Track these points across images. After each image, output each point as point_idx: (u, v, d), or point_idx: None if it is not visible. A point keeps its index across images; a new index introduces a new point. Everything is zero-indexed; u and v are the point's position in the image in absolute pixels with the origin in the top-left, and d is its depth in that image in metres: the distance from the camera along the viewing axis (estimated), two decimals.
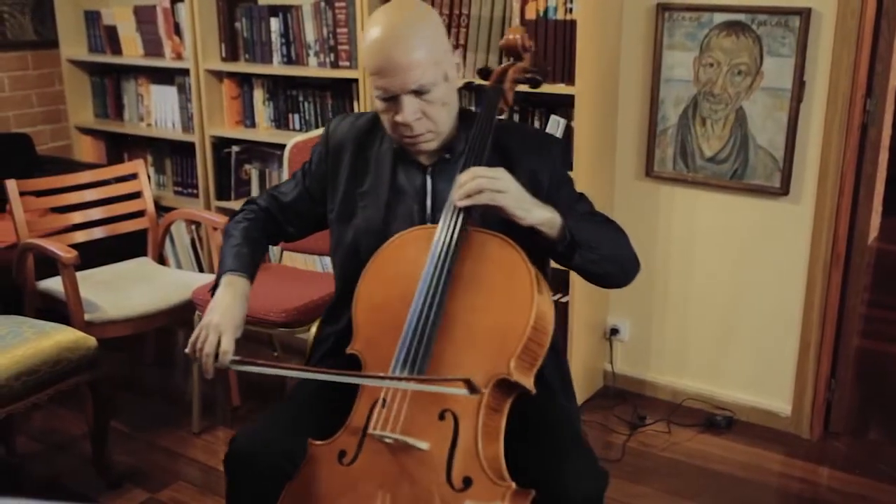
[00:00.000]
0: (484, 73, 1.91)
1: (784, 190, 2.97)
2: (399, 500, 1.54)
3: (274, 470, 1.65)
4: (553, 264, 1.91)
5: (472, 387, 1.48)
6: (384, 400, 1.61)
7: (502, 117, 1.87)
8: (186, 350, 1.75)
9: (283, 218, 1.99)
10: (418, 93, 1.69)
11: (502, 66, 1.89)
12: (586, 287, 3.16)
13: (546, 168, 1.80)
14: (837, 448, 3.05)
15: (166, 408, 3.35)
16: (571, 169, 1.91)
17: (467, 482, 1.50)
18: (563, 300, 3.19)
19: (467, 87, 1.86)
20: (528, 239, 1.66)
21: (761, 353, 3.17)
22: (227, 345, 1.70)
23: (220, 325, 1.71)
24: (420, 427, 1.56)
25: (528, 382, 1.60)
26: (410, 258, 1.70)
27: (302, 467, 1.63)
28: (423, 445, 1.54)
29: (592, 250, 1.68)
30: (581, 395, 3.35)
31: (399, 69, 1.66)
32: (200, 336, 1.72)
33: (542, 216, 1.63)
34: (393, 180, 1.84)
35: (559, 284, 3.22)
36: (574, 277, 3.13)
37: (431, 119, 1.73)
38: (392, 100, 1.71)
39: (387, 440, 1.57)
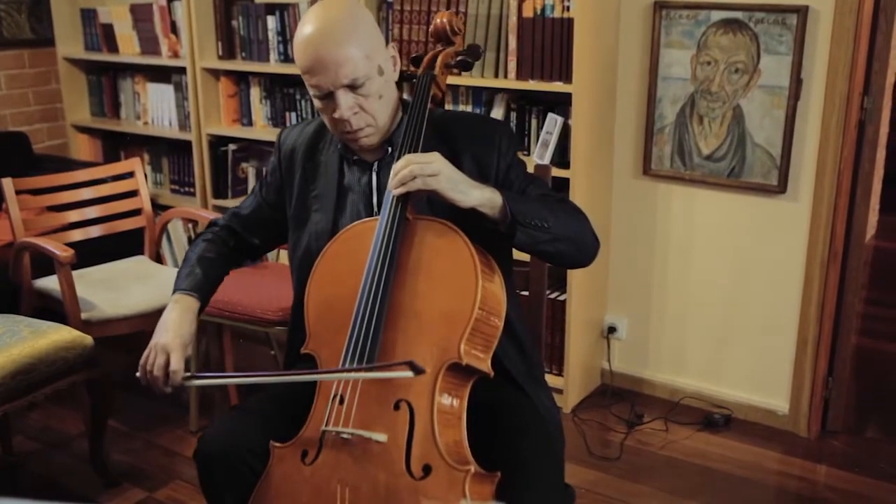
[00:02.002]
0: (416, 60, 1.92)
1: (781, 188, 2.97)
2: (362, 493, 1.55)
3: (239, 464, 1.68)
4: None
5: (415, 367, 1.51)
6: (340, 396, 1.62)
7: (447, 105, 1.87)
8: (137, 374, 1.76)
9: (246, 231, 2.01)
10: (352, 87, 1.70)
11: (432, 52, 1.89)
12: (584, 285, 3.19)
13: (491, 152, 1.80)
14: (835, 446, 3.05)
15: (164, 407, 3.34)
16: (518, 151, 1.89)
17: (427, 470, 1.51)
18: (561, 298, 3.19)
19: (400, 78, 1.86)
20: (476, 223, 1.66)
21: (759, 351, 3.17)
22: (176, 364, 1.71)
23: (167, 345, 1.73)
24: (376, 419, 1.57)
25: (484, 365, 1.61)
26: (355, 253, 1.71)
27: (267, 470, 1.65)
28: (381, 437, 1.55)
29: (541, 230, 1.66)
30: (578, 394, 3.35)
31: (329, 65, 1.68)
32: (149, 358, 1.73)
33: (480, 196, 1.63)
34: (340, 181, 1.86)
35: (556, 282, 3.21)
36: (571, 276, 3.12)
37: (368, 113, 1.74)
38: (328, 97, 1.72)
39: (344, 436, 1.58)
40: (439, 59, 1.87)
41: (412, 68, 1.91)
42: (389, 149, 1.82)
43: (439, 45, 1.91)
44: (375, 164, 1.84)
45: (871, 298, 4.27)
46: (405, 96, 1.90)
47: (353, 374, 1.60)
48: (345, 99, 1.70)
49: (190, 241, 4.09)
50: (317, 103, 1.76)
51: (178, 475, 2.90)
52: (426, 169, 1.60)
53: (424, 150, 1.71)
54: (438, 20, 1.90)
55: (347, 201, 1.85)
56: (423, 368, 1.52)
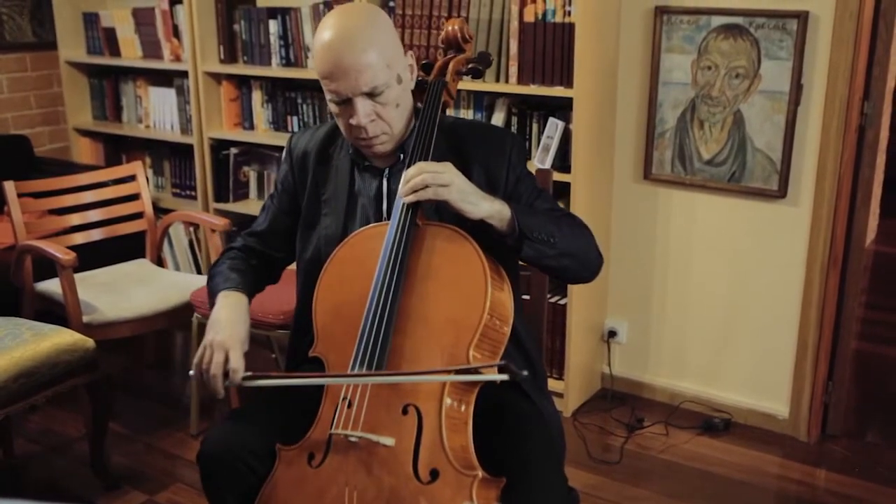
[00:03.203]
0: (426, 67, 1.92)
1: (782, 192, 2.98)
2: (369, 497, 1.55)
3: (241, 466, 1.68)
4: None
5: (511, 371, 1.53)
6: (348, 399, 1.62)
7: (448, 111, 1.88)
8: (191, 373, 1.70)
9: (267, 246, 1.98)
10: (371, 95, 1.70)
11: (444, 58, 1.90)
12: (584, 289, 3.19)
13: (501, 163, 1.80)
14: (835, 450, 3.05)
15: (164, 410, 3.35)
16: (528, 161, 1.90)
17: (434, 474, 1.52)
18: (561, 302, 3.19)
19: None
20: (483, 234, 1.67)
21: (759, 355, 3.17)
22: (236, 362, 1.66)
23: (224, 343, 1.67)
24: (384, 423, 1.58)
25: (492, 371, 1.61)
26: (364, 257, 1.71)
27: (273, 473, 1.65)
28: (388, 441, 1.56)
29: (547, 244, 1.68)
30: (579, 398, 3.35)
31: (350, 72, 1.67)
32: (205, 356, 1.67)
33: (489, 209, 1.64)
34: (351, 187, 1.86)
35: (557, 286, 3.22)
36: None
37: (385, 121, 1.74)
38: (345, 103, 1.71)
39: (352, 439, 1.58)
40: (450, 65, 1.87)
41: (422, 74, 1.91)
42: (402, 156, 1.82)
43: (450, 52, 1.92)
44: (386, 170, 1.84)
45: (871, 303, 4.28)
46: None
47: (443, 377, 1.59)
48: (363, 106, 1.70)
49: (191, 244, 4.10)
50: (333, 108, 1.75)
51: (179, 478, 2.90)
52: (438, 178, 1.61)
53: (435, 157, 1.71)
54: (450, 27, 1.90)
55: (357, 206, 1.85)
56: (519, 373, 1.54)
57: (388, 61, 1.70)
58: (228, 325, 1.72)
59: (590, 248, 1.79)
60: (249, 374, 1.67)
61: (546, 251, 1.69)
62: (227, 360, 1.66)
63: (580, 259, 1.77)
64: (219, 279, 1.87)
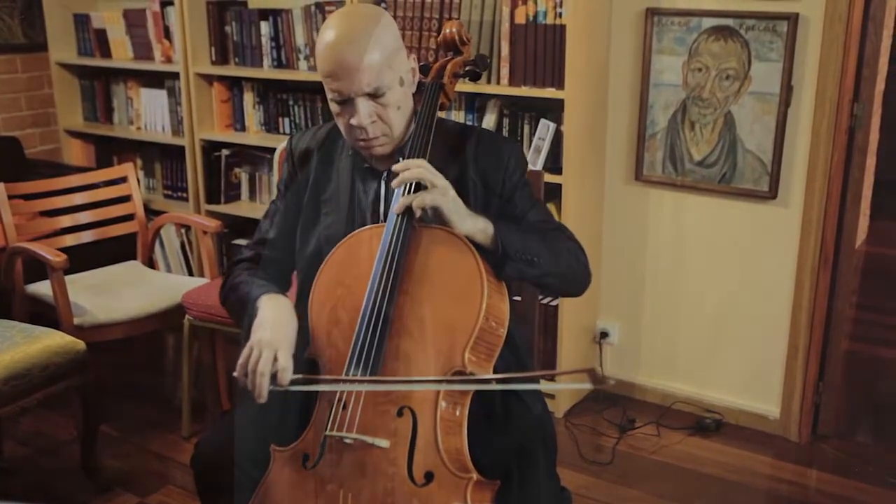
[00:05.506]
0: (424, 69, 1.91)
1: (772, 194, 2.99)
2: (363, 499, 1.55)
3: (237, 471, 1.67)
4: None
5: (595, 378, 1.50)
6: (343, 401, 1.62)
7: (442, 113, 1.89)
8: (235, 373, 1.62)
9: (278, 250, 1.92)
10: (372, 96, 1.69)
11: (441, 60, 1.90)
12: None
13: (498, 169, 1.80)
14: (825, 451, 3.07)
15: (156, 412, 3.35)
16: (526, 170, 1.90)
17: (429, 477, 1.52)
18: (553, 303, 3.20)
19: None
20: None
21: (750, 356, 3.18)
22: (285, 361, 1.59)
23: (273, 342, 1.60)
24: (379, 425, 1.58)
25: (487, 374, 1.62)
26: (359, 259, 1.71)
27: (267, 474, 1.65)
28: (383, 443, 1.55)
29: (530, 264, 1.68)
30: (571, 399, 3.36)
31: (352, 72, 1.66)
32: (252, 356, 1.60)
33: (472, 227, 1.64)
34: (352, 189, 1.85)
35: None
36: None
37: (385, 122, 1.73)
38: (346, 103, 1.71)
39: (346, 440, 1.58)
40: (448, 68, 1.87)
41: (420, 76, 1.91)
42: (401, 159, 1.80)
43: (448, 53, 1.91)
44: (385, 173, 1.83)
45: (862, 304, 4.30)
46: None
47: (526, 385, 1.65)
48: (364, 106, 1.69)
49: (182, 246, 4.09)
50: (334, 108, 1.75)
51: (170, 480, 2.90)
52: (436, 181, 1.62)
53: (432, 159, 1.71)
54: (447, 30, 1.90)
55: (358, 210, 1.85)
56: (603, 379, 1.52)
57: (391, 63, 1.70)
58: (278, 324, 1.66)
59: (576, 267, 1.78)
60: (300, 376, 1.60)
61: (529, 271, 1.69)
62: (275, 359, 1.60)
63: (565, 278, 1.77)
64: (249, 287, 1.80)
